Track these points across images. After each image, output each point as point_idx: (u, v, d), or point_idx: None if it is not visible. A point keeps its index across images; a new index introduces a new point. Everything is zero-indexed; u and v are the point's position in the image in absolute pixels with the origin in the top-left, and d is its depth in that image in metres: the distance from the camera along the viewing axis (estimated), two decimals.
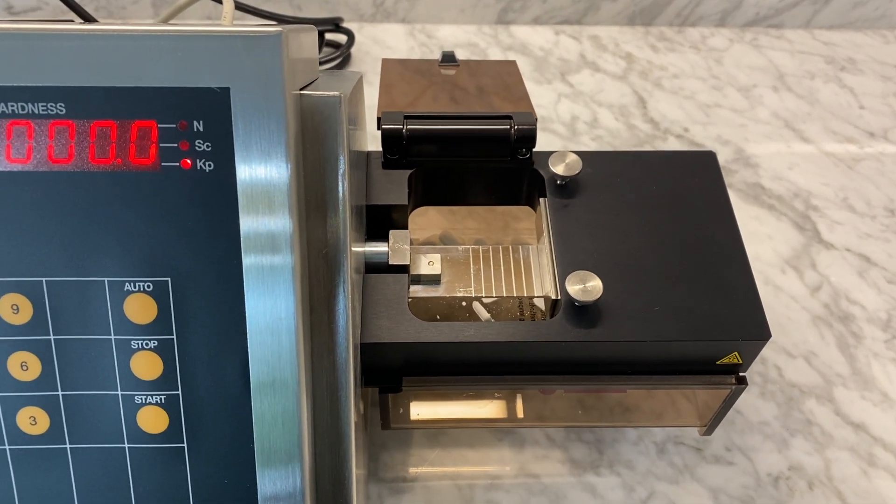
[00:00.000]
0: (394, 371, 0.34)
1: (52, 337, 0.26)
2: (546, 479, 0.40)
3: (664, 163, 0.38)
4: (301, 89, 0.26)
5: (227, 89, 0.24)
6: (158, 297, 0.26)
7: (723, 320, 0.33)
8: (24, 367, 0.26)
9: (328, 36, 0.65)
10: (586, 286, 0.32)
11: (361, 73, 0.37)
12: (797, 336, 0.47)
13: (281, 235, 0.25)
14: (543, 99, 0.62)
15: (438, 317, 0.37)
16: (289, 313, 0.25)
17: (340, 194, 0.27)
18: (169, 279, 0.25)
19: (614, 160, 0.38)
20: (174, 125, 0.24)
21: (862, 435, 0.42)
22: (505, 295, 0.36)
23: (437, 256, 0.36)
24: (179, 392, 0.26)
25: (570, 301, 0.32)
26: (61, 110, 0.24)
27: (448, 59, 0.45)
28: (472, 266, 0.38)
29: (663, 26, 0.71)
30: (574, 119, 0.61)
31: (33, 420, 0.26)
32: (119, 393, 0.26)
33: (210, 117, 0.24)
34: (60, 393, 0.26)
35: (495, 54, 0.67)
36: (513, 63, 0.45)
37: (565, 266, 0.34)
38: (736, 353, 0.33)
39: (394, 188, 0.36)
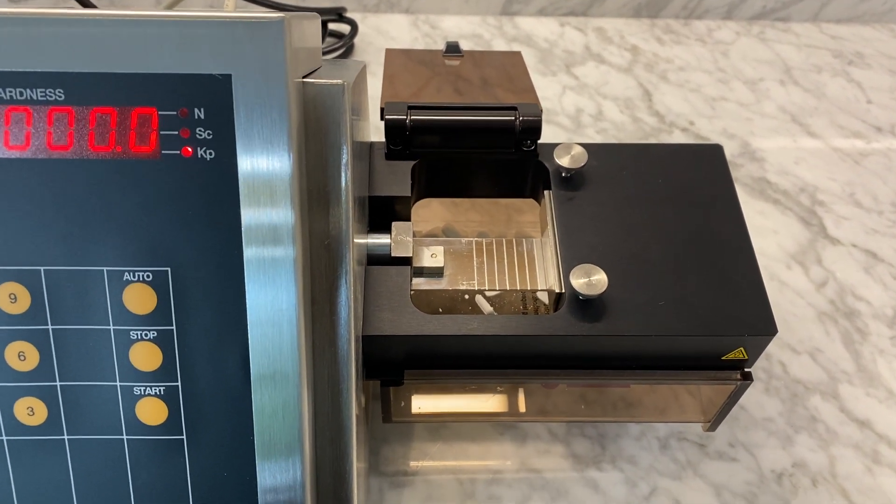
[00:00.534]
0: (395, 364, 0.33)
1: (50, 327, 0.25)
2: (548, 473, 0.39)
3: (671, 156, 0.38)
4: (304, 78, 0.26)
5: (229, 76, 0.24)
6: (158, 288, 0.25)
7: (728, 315, 0.32)
8: (22, 357, 0.26)
9: (331, 26, 0.65)
10: (591, 280, 0.32)
11: (365, 63, 0.36)
12: (802, 332, 0.46)
13: (282, 226, 0.25)
14: (548, 91, 0.62)
15: (441, 310, 0.37)
16: (290, 305, 0.25)
17: (343, 185, 0.27)
18: (169, 269, 0.25)
19: (620, 153, 0.38)
20: (175, 112, 0.24)
21: (867, 432, 0.42)
22: (508, 288, 0.36)
23: (440, 249, 0.36)
24: (179, 383, 0.26)
25: (575, 295, 0.32)
26: (60, 96, 0.24)
27: (452, 49, 0.44)
28: (475, 259, 0.37)
29: (669, 18, 0.70)
30: (579, 112, 0.60)
31: (31, 411, 0.26)
32: (118, 384, 0.26)
33: (211, 105, 0.24)
34: (58, 383, 0.26)
35: (500, 46, 0.66)
36: (517, 54, 0.44)
37: (569, 259, 0.34)
38: (741, 348, 0.33)
39: (397, 179, 0.36)
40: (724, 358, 0.33)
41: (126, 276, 0.25)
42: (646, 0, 0.69)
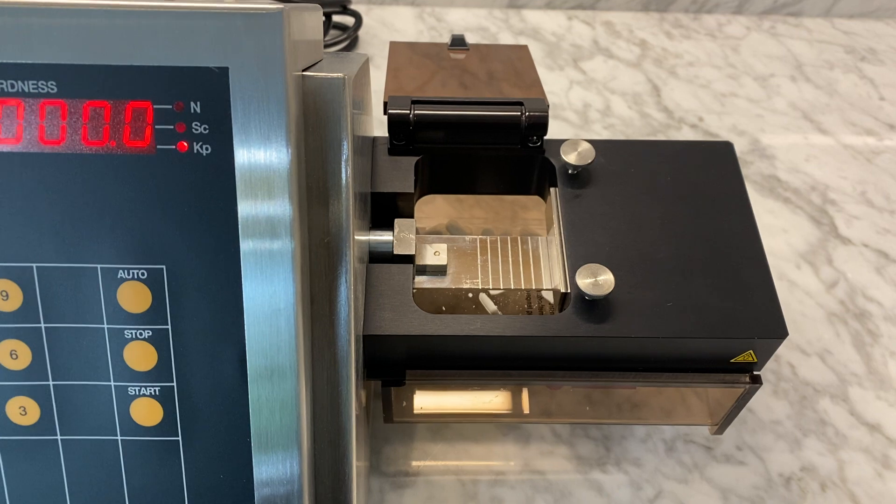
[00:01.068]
0: (397, 364, 0.33)
1: (42, 325, 0.25)
2: (551, 475, 0.39)
3: (680, 153, 0.37)
4: (304, 71, 0.25)
5: (226, 69, 0.23)
6: (153, 285, 0.25)
7: (738, 317, 0.31)
8: (14, 356, 0.25)
9: (335, 18, 0.64)
10: (597, 280, 0.31)
11: (367, 56, 0.35)
12: (812, 333, 0.46)
13: (280, 222, 0.24)
14: (555, 86, 0.61)
15: (444, 309, 0.36)
16: (288, 303, 0.25)
17: (343, 180, 0.26)
18: (164, 266, 0.24)
19: (629, 149, 0.37)
20: (170, 106, 0.23)
21: (877, 436, 0.41)
22: (513, 287, 0.35)
23: (444, 246, 0.35)
24: (174, 384, 0.25)
25: (581, 295, 0.31)
26: (52, 89, 0.23)
27: (458, 42, 0.43)
28: (479, 257, 0.37)
29: (679, 13, 0.69)
30: (586, 107, 0.59)
31: (23, 410, 0.26)
32: (112, 384, 0.25)
33: (208, 98, 0.23)
34: (51, 383, 0.25)
35: (506, 39, 0.65)
36: (524, 48, 0.44)
37: (576, 258, 0.33)
38: (751, 351, 0.32)
39: (400, 175, 0.35)
40: (732, 361, 0.32)
41: (120, 274, 0.25)
42: None
